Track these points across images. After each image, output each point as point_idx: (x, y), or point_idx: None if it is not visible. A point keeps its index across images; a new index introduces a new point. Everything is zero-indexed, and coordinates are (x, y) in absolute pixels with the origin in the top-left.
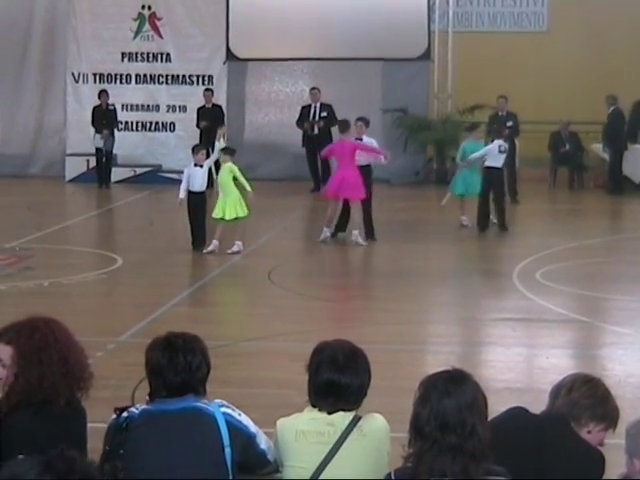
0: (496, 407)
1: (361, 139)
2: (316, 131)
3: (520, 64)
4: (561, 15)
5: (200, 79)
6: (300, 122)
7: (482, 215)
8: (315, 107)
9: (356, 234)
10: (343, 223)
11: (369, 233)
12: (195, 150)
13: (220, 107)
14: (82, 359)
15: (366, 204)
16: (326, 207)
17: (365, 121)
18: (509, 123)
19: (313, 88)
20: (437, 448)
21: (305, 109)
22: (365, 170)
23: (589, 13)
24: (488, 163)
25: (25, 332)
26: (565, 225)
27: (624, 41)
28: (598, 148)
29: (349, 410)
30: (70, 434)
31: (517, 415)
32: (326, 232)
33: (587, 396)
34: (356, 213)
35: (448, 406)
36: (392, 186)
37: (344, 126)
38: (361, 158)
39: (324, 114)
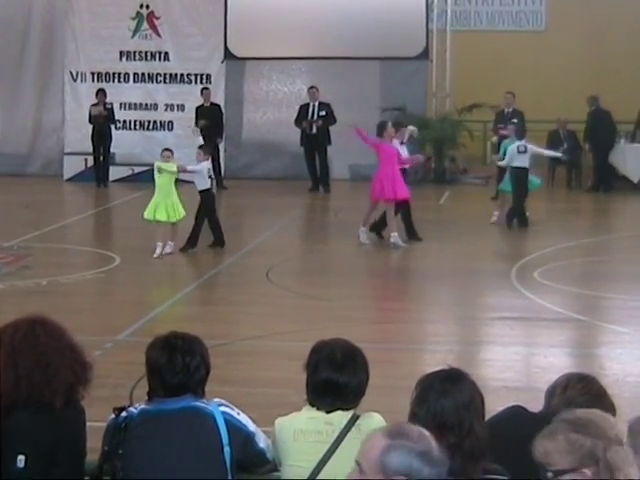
0: (494, 406)
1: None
2: (314, 130)
3: (518, 63)
4: (559, 14)
5: (198, 78)
6: (298, 121)
7: (513, 212)
8: (313, 106)
9: (395, 235)
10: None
11: (380, 231)
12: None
13: (218, 106)
14: (75, 361)
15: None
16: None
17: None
18: (514, 120)
19: (311, 87)
20: None
21: (303, 108)
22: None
23: (587, 12)
24: (514, 163)
25: (9, 332)
26: (563, 224)
27: (622, 40)
28: None
29: (347, 409)
30: (69, 434)
31: (516, 414)
32: (396, 236)
33: (583, 393)
34: (391, 214)
35: (445, 405)
36: None
37: (382, 128)
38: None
39: (322, 113)
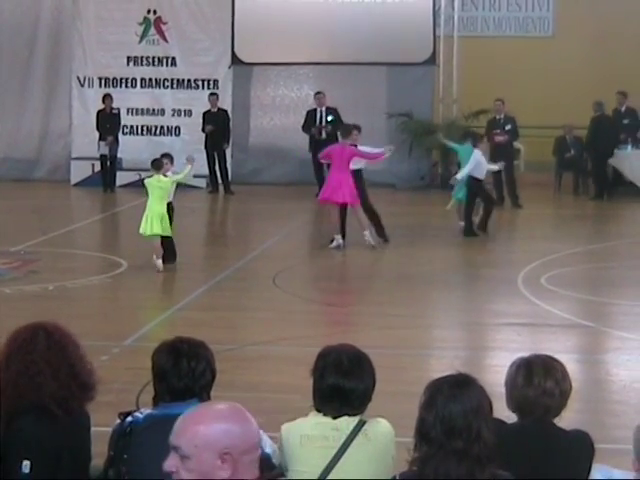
0: (500, 412)
1: (356, 146)
2: (324, 135)
3: (525, 69)
4: (566, 20)
5: (205, 83)
6: (306, 127)
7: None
8: (321, 111)
9: (367, 234)
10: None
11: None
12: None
13: (226, 111)
14: (72, 378)
15: (365, 206)
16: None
17: (359, 129)
18: (507, 127)
19: (318, 92)
20: (442, 453)
21: (310, 114)
22: (357, 174)
23: (595, 18)
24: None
25: (13, 335)
26: (570, 230)
27: (629, 46)
28: None
29: (354, 415)
30: (74, 439)
31: (499, 426)
32: (339, 239)
33: (549, 377)
34: (360, 215)
35: (454, 410)
36: (397, 190)
37: (346, 131)
38: (358, 164)
39: (330, 118)
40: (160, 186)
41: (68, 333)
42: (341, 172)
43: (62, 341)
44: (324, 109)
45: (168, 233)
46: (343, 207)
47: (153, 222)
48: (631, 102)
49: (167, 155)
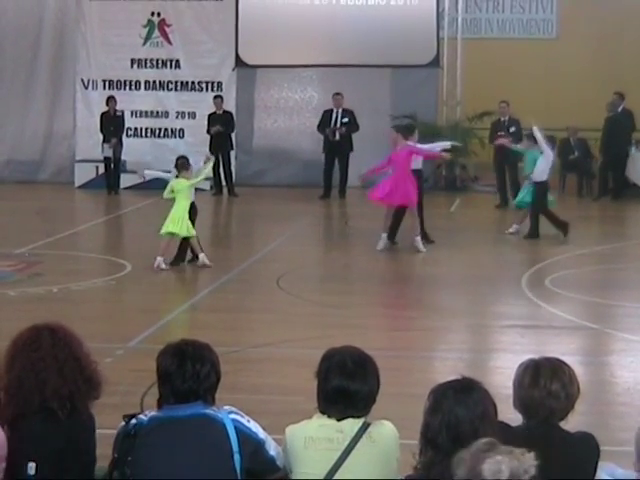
0: (504, 414)
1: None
2: (337, 137)
3: (529, 71)
4: (570, 22)
5: (209, 85)
6: (321, 127)
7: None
8: (337, 112)
9: (418, 240)
10: (393, 230)
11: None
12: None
13: (231, 113)
14: (78, 373)
15: (418, 208)
16: (336, 215)
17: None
18: (512, 129)
19: (337, 93)
20: (448, 459)
21: (326, 114)
22: (417, 175)
23: (599, 20)
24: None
25: (18, 335)
26: (574, 232)
27: (633, 48)
28: None
29: (358, 417)
30: (78, 441)
31: (504, 429)
32: (385, 239)
33: (556, 380)
34: (412, 219)
35: (460, 416)
36: None
37: (409, 131)
38: (416, 163)
39: (345, 120)
40: (178, 188)
41: (72, 332)
42: (401, 174)
43: (66, 338)
44: (340, 110)
45: (184, 233)
46: (401, 208)
47: (168, 222)
48: (628, 104)
49: (185, 158)
